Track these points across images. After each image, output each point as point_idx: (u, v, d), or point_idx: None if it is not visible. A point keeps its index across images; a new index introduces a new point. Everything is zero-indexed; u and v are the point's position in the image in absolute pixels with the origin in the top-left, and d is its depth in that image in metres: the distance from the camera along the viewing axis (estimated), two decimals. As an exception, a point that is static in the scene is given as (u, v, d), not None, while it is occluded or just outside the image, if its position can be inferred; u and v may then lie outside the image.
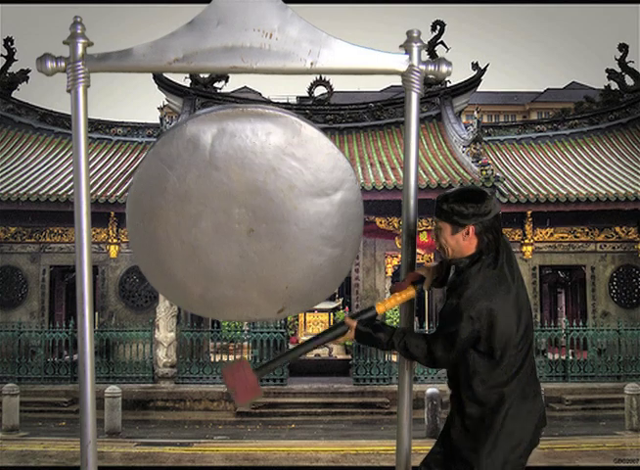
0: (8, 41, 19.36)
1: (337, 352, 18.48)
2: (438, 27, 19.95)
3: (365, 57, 2.55)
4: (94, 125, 18.84)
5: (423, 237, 14.97)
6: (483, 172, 15.08)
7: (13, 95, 19.38)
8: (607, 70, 20.90)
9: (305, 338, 17.98)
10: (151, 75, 18.62)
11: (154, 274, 2.71)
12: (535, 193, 15.80)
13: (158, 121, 17.50)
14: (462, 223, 2.54)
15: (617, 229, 16.66)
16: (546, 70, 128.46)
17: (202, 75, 19.37)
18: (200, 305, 2.75)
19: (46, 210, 15.57)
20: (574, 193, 15.83)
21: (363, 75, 3.07)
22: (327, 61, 2.53)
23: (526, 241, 16.44)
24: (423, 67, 2.61)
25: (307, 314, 19.43)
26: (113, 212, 15.96)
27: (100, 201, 15.13)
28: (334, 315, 19.70)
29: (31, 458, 7.92)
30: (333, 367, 16.62)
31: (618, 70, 20.62)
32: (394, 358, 14.15)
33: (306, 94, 20.66)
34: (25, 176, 16.62)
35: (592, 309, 16.58)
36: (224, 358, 15.21)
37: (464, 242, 2.55)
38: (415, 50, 2.59)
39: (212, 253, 2.56)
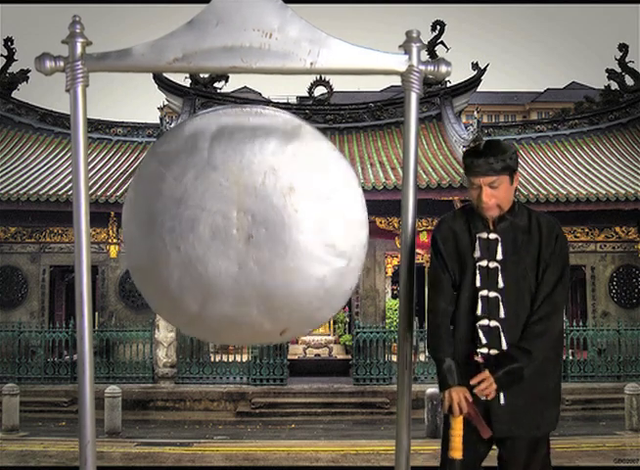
0: (8, 41, 19.36)
1: (337, 352, 18.48)
2: (438, 27, 19.94)
3: (365, 57, 2.55)
4: (94, 125, 18.85)
5: (423, 237, 14.97)
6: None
7: (13, 95, 19.38)
8: (607, 70, 20.90)
9: (305, 338, 17.97)
10: (151, 75, 18.63)
11: (149, 288, 2.56)
12: (535, 193, 15.80)
13: (158, 121, 17.51)
14: (516, 170, 2.66)
15: (617, 229, 16.66)
16: (546, 70, 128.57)
17: (201, 75, 19.37)
18: (196, 326, 2.58)
19: (46, 210, 15.57)
20: (574, 193, 15.83)
21: (363, 75, 3.06)
22: (326, 61, 2.52)
23: (527, 241, 16.44)
24: (422, 67, 2.60)
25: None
26: (113, 212, 15.95)
27: (100, 201, 15.12)
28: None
29: (31, 458, 7.91)
30: (333, 367, 16.61)
31: (618, 70, 20.61)
32: (394, 358, 14.14)
33: (306, 94, 20.67)
34: (25, 176, 16.63)
35: (592, 309, 16.58)
36: (224, 358, 15.20)
37: (511, 194, 2.67)
38: (414, 50, 2.59)
39: (209, 262, 2.43)
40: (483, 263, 2.66)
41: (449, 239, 2.71)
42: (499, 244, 2.65)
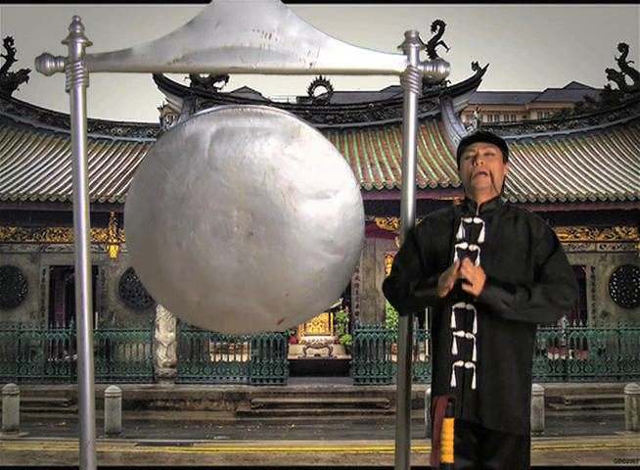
0: (8, 41, 19.35)
1: (337, 352, 18.48)
2: (438, 27, 19.94)
3: (364, 57, 2.56)
4: (94, 125, 18.85)
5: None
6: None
7: (13, 95, 19.38)
8: (607, 70, 20.89)
9: (305, 338, 17.98)
10: (151, 75, 18.63)
11: (151, 281, 2.65)
12: (535, 193, 15.80)
13: (158, 121, 17.51)
14: (507, 158, 2.76)
15: (617, 229, 16.66)
16: (546, 70, 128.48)
17: (202, 75, 19.37)
18: (198, 315, 2.66)
19: (46, 210, 15.57)
20: (574, 193, 15.83)
21: (362, 76, 3.07)
22: (326, 61, 2.53)
23: (526, 241, 16.42)
24: (421, 67, 2.61)
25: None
26: (113, 212, 15.95)
27: (100, 201, 15.13)
28: (334, 315, 19.71)
29: (31, 458, 7.91)
30: (333, 367, 16.61)
31: (618, 70, 20.60)
32: (394, 358, 14.14)
33: (306, 94, 20.66)
34: (25, 176, 16.62)
35: (592, 309, 16.59)
36: (224, 358, 15.20)
37: (502, 178, 2.72)
38: (413, 51, 2.60)
39: (211, 257, 2.50)
40: (463, 246, 2.64)
41: (428, 230, 2.71)
42: (483, 228, 2.65)
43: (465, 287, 2.48)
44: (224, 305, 2.57)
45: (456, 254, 2.63)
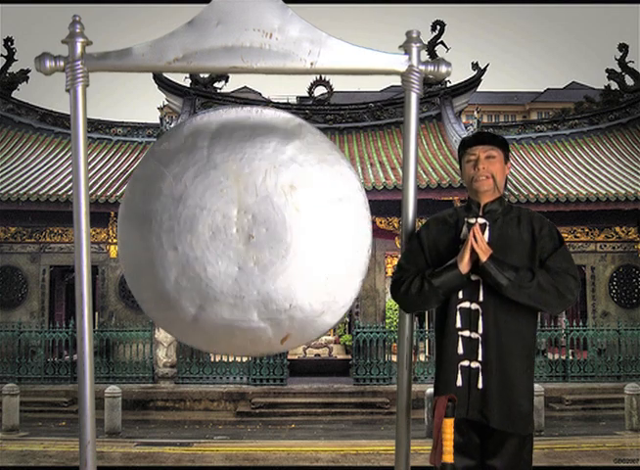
0: (8, 41, 19.34)
1: (337, 352, 18.48)
2: (438, 27, 19.93)
3: (365, 57, 2.55)
4: (94, 125, 18.84)
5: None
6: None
7: (13, 95, 19.37)
8: (607, 70, 20.89)
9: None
10: (151, 75, 18.62)
11: (144, 292, 2.49)
12: (535, 193, 15.79)
13: (158, 121, 17.51)
14: (508, 156, 2.73)
15: (617, 229, 16.66)
16: (546, 70, 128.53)
17: (202, 75, 19.37)
18: (193, 331, 2.48)
19: (46, 210, 15.56)
20: (574, 193, 15.82)
21: (363, 75, 3.06)
22: (327, 61, 2.52)
23: (526, 241, 16.40)
24: (422, 67, 2.61)
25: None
26: (112, 212, 15.92)
27: (100, 201, 15.12)
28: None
29: (31, 458, 7.90)
30: (333, 367, 16.61)
31: (618, 70, 20.60)
32: (394, 358, 14.14)
33: (306, 94, 20.66)
34: (25, 176, 16.61)
35: (592, 309, 16.58)
36: (224, 358, 15.19)
37: (504, 178, 2.71)
38: (414, 50, 2.59)
39: (208, 263, 2.38)
40: None
41: (432, 230, 2.70)
42: (487, 228, 2.65)
43: (475, 246, 2.50)
44: (223, 318, 2.39)
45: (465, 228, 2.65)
